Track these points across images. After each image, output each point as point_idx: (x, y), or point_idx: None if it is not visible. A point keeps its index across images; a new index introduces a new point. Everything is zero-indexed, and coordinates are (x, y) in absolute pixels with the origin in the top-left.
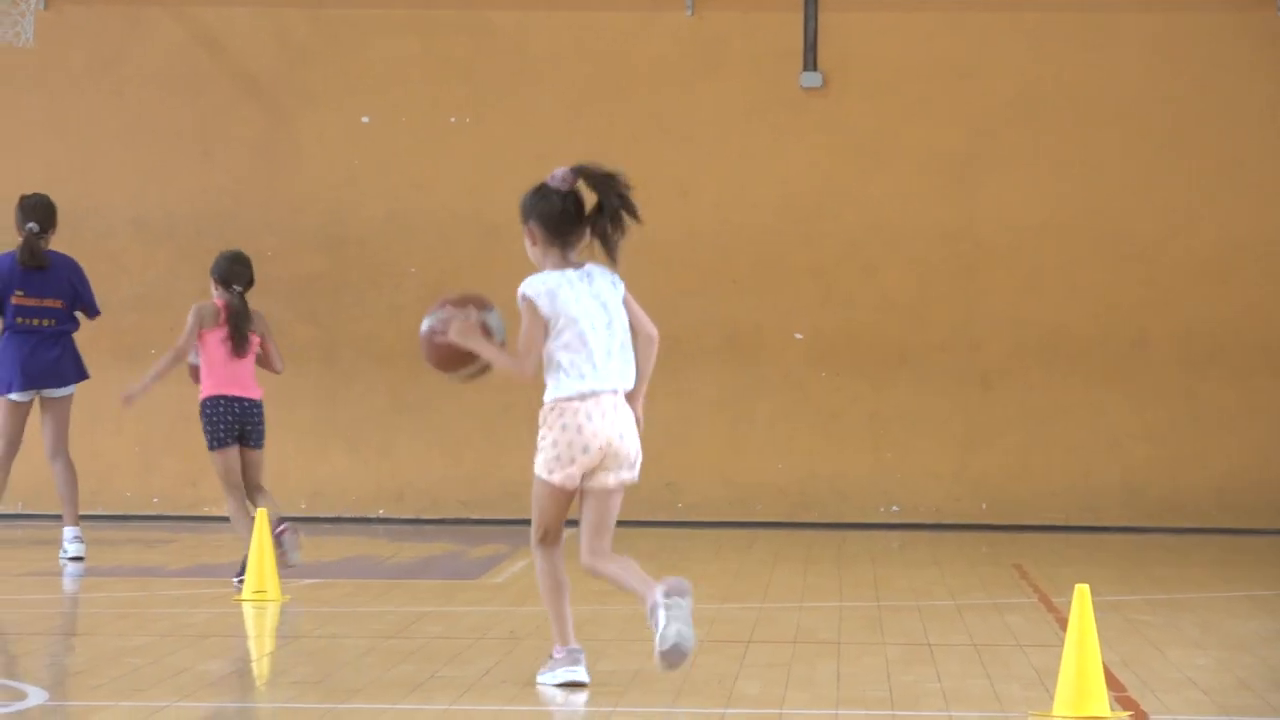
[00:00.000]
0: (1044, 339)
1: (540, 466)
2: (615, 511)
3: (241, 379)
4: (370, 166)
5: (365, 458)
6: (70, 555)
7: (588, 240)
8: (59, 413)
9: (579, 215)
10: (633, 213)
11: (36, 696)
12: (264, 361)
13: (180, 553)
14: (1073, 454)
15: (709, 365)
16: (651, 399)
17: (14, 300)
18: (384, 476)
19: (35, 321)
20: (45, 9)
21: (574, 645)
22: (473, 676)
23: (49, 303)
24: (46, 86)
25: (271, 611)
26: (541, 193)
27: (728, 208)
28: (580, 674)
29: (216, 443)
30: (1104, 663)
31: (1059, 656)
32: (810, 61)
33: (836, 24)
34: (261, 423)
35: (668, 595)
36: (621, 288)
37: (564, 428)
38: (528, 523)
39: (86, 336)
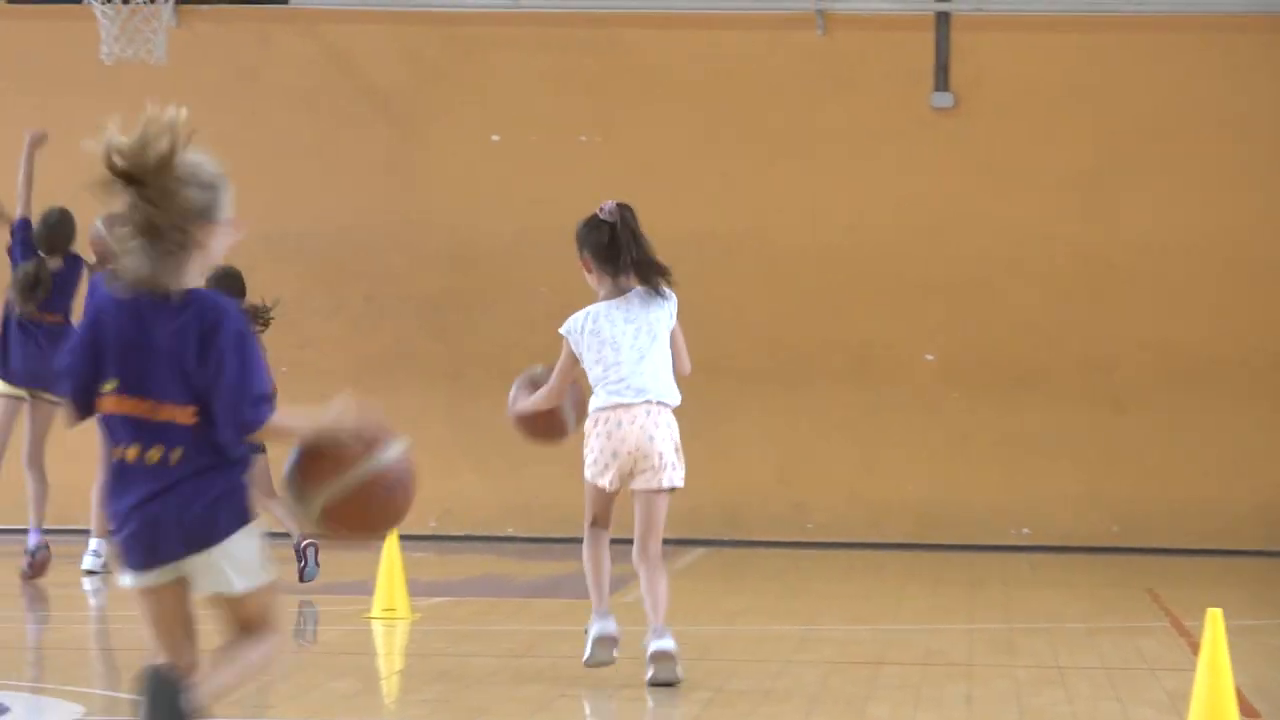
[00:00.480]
0: (1177, 360)
1: (585, 470)
2: (657, 514)
3: None
4: (499, 184)
5: (494, 475)
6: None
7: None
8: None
9: (626, 244)
10: (647, 270)
11: None
12: None
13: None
14: (1206, 476)
15: (839, 385)
16: (781, 419)
17: None
18: (513, 494)
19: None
20: (177, 26)
21: (605, 610)
22: (601, 696)
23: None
24: (178, 103)
25: (401, 629)
26: (592, 224)
27: (858, 227)
28: (609, 627)
29: None
30: (1236, 687)
31: (1191, 681)
32: (942, 81)
33: (968, 44)
34: None
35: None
36: (669, 312)
37: (598, 436)
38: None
39: None
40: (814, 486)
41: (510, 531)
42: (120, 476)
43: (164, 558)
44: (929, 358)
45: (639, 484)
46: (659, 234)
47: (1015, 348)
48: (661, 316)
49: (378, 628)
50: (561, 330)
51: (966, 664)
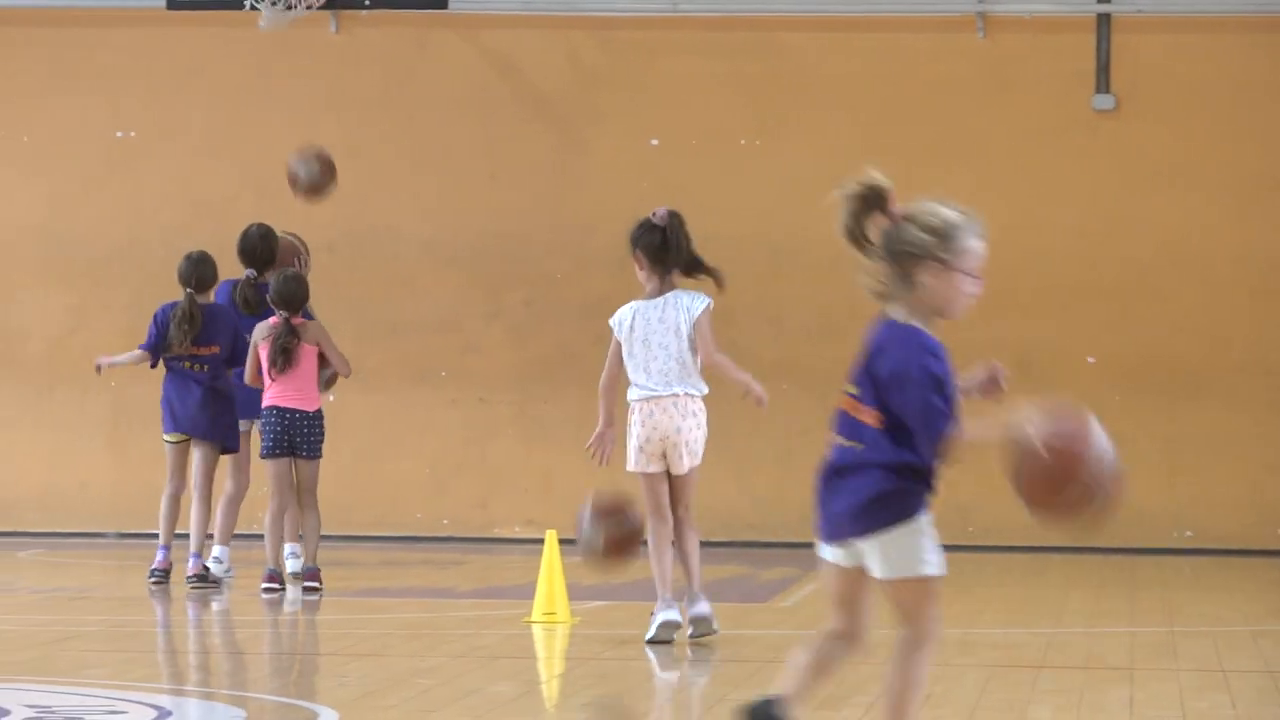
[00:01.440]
0: None
1: (630, 462)
2: (689, 489)
3: (289, 391)
4: (659, 188)
5: None
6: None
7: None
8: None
9: (675, 248)
10: (695, 269)
11: (328, 717)
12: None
13: (471, 574)
14: None
15: None
16: None
17: None
18: None
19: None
20: (337, 32)
21: (668, 596)
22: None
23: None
24: (338, 109)
25: (561, 633)
26: (645, 226)
27: (1019, 229)
28: (673, 614)
29: (264, 452)
30: None
31: None
32: (1103, 83)
33: (1129, 45)
34: (313, 434)
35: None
36: (698, 311)
37: (638, 424)
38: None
39: (377, 359)
40: (976, 489)
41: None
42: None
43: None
44: (1090, 360)
45: (675, 468)
46: (818, 234)
47: (1177, 349)
48: (693, 317)
49: (538, 632)
50: (610, 322)
51: (1128, 668)
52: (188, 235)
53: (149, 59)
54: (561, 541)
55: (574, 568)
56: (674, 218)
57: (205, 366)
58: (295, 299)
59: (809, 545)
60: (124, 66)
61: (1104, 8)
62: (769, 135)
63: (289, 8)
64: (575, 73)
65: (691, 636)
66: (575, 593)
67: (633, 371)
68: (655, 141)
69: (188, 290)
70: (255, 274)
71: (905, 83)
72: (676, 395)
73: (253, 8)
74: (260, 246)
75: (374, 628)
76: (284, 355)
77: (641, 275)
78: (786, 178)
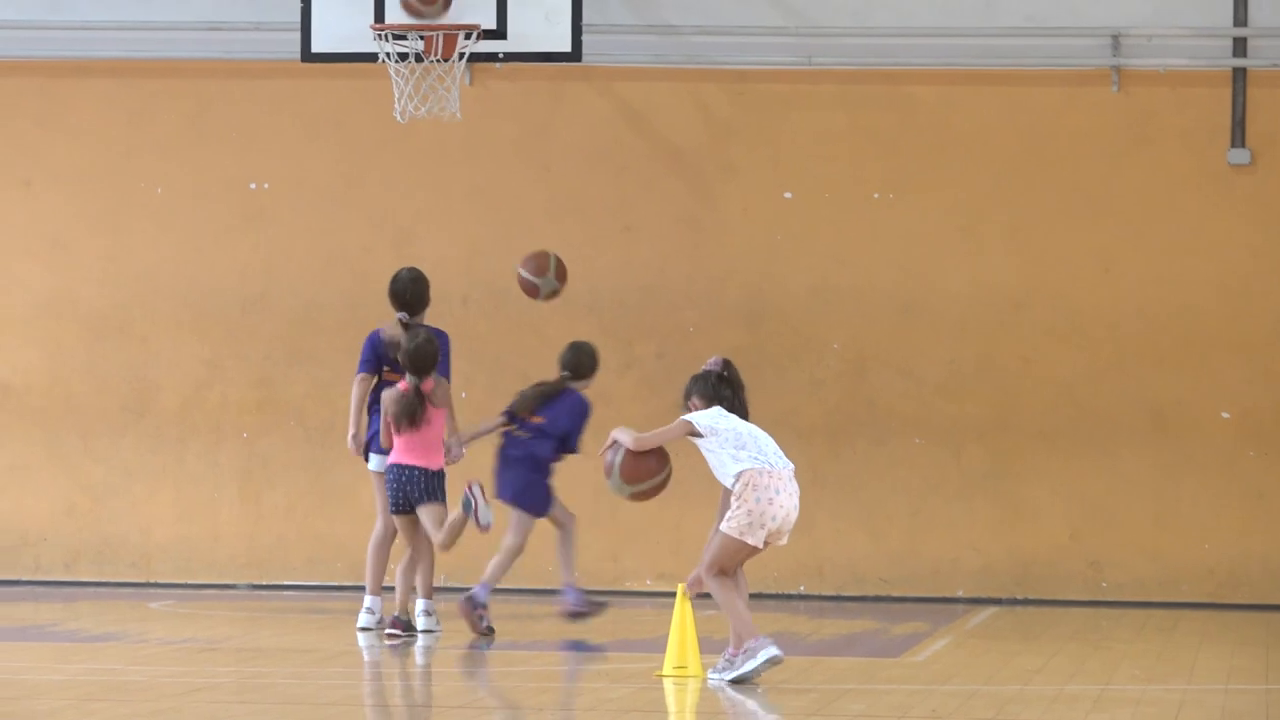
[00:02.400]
0: None
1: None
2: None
3: (414, 448)
4: (792, 241)
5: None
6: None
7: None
8: None
9: (727, 388)
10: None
11: None
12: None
13: (602, 627)
14: None
15: (1133, 443)
16: (1074, 476)
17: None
18: (804, 552)
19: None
20: (470, 85)
21: (759, 635)
22: None
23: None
24: (473, 161)
25: (692, 687)
26: (701, 376)
27: (1154, 284)
28: (773, 650)
29: (391, 507)
30: None
31: None
32: (1238, 138)
33: (1265, 99)
34: (417, 488)
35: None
36: None
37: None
38: (951, 601)
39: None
40: (1108, 545)
41: (801, 589)
42: None
43: None
44: (1225, 415)
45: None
46: (951, 288)
47: None
48: None
49: (669, 685)
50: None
51: None
52: (321, 287)
53: (283, 111)
54: (694, 596)
55: (706, 620)
56: (728, 364)
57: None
58: (426, 362)
59: (941, 600)
60: (258, 118)
61: (1239, 62)
62: (901, 189)
63: (419, 60)
64: (708, 125)
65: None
66: (707, 646)
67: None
68: (788, 195)
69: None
70: (407, 317)
71: (1039, 137)
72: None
73: (385, 59)
74: (410, 290)
75: (505, 680)
76: (409, 418)
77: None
78: (918, 231)
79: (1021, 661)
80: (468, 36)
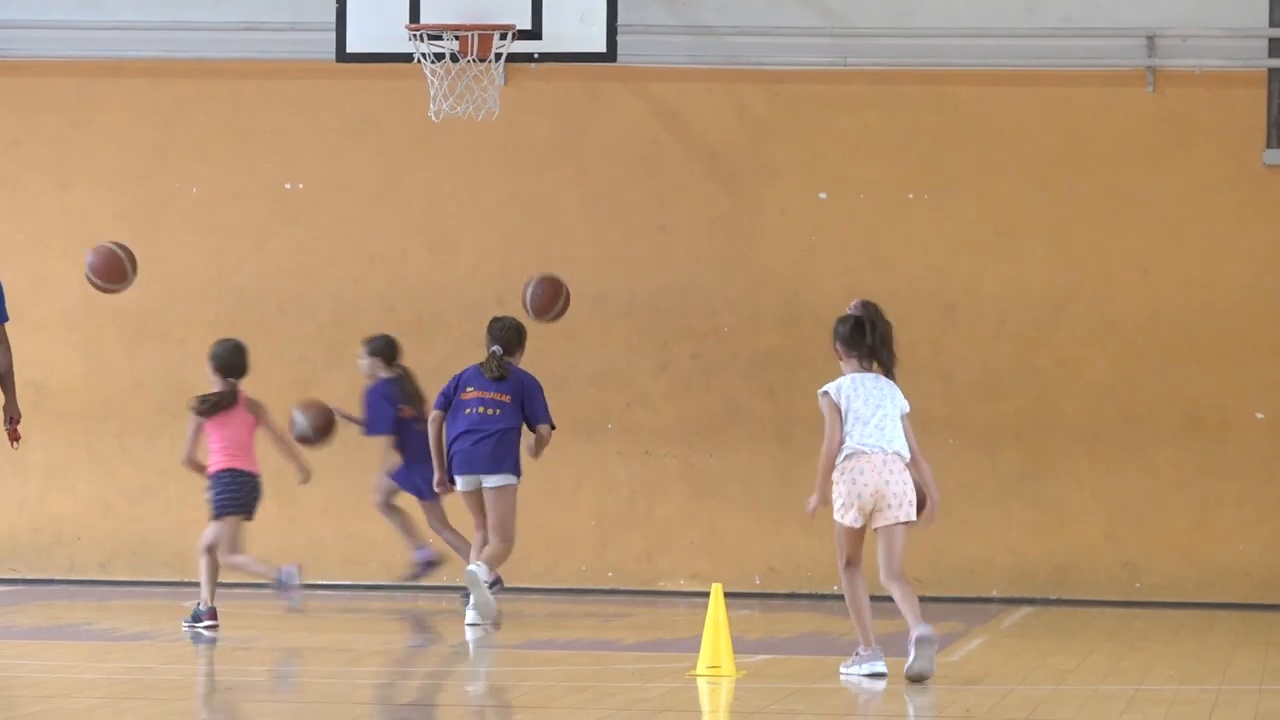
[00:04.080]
0: None
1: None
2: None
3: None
4: (828, 243)
5: (820, 534)
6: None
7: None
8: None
9: (866, 335)
10: (887, 362)
11: None
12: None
13: (636, 627)
14: None
15: (1171, 445)
16: (1110, 477)
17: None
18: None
19: (481, 410)
20: (505, 85)
21: (875, 646)
22: None
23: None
24: (508, 161)
25: (726, 687)
26: (842, 319)
27: (1191, 285)
28: (881, 666)
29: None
30: None
31: None
32: (1274, 138)
33: None
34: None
35: (923, 637)
36: (901, 403)
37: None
38: (986, 601)
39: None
40: (1144, 545)
41: (835, 589)
42: None
43: None
44: (1260, 416)
45: (883, 519)
46: (987, 290)
47: None
48: (896, 404)
49: (702, 685)
50: (826, 389)
51: None
52: (358, 287)
53: (318, 111)
54: (727, 595)
55: (740, 621)
56: (869, 307)
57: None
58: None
59: (976, 600)
60: (293, 119)
61: (1275, 62)
62: (938, 189)
63: (454, 60)
64: (744, 126)
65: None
66: (740, 646)
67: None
68: (824, 195)
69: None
70: (500, 350)
71: (1075, 137)
72: (885, 452)
73: (420, 59)
74: (512, 334)
75: (539, 680)
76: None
77: (840, 359)
78: (955, 232)
79: (1056, 662)
80: (503, 37)
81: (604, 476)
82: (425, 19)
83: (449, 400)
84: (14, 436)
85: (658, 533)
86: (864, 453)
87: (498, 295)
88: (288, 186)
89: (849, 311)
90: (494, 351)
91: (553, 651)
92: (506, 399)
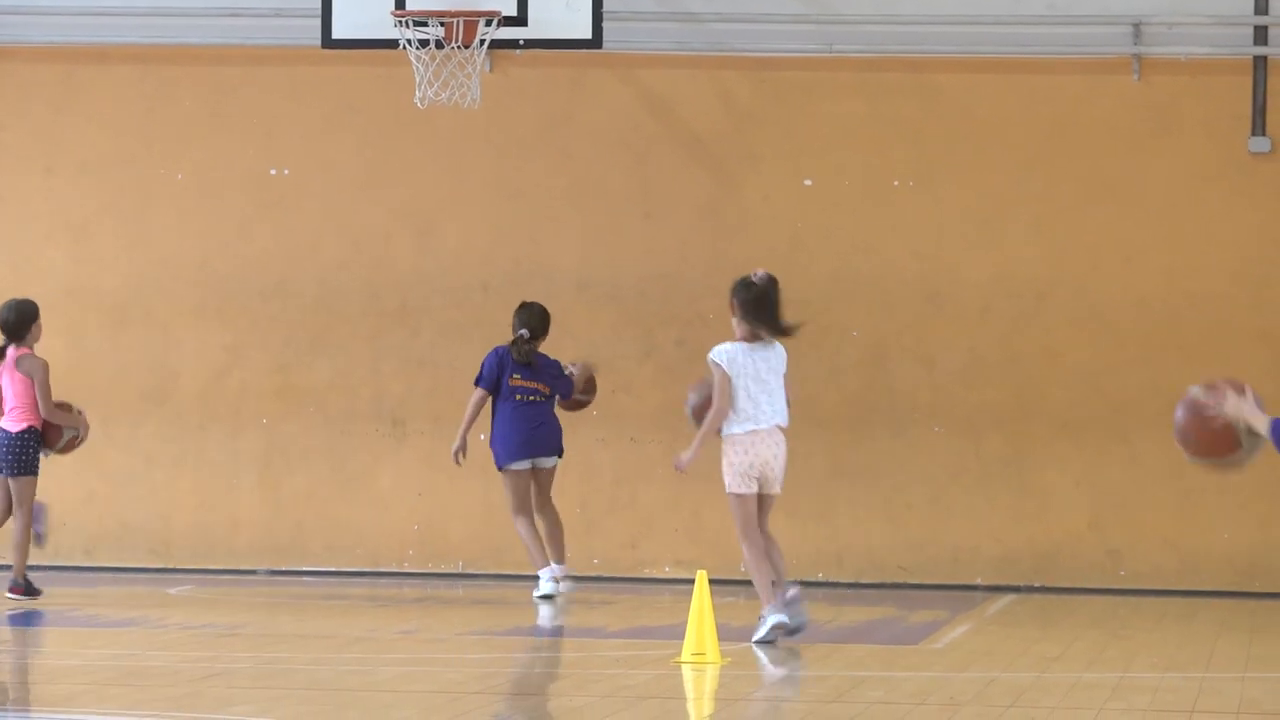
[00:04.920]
0: None
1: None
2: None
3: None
4: (813, 229)
5: (804, 521)
6: (542, 594)
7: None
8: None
9: (766, 304)
10: (778, 330)
11: None
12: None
13: (620, 614)
14: None
15: (1154, 432)
16: (1094, 465)
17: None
18: (823, 540)
19: (529, 398)
20: (490, 71)
21: (771, 604)
22: None
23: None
24: (493, 148)
25: (710, 674)
26: (743, 282)
27: (1175, 273)
28: (781, 615)
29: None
30: None
31: None
32: (1259, 126)
33: None
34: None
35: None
36: (783, 363)
37: (741, 453)
38: (970, 588)
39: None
40: (1128, 533)
41: (820, 576)
42: None
43: None
44: None
45: (768, 489)
46: (972, 277)
47: None
48: (780, 366)
49: (687, 672)
50: (713, 358)
51: None
52: (342, 273)
53: (303, 97)
54: (712, 582)
55: (724, 608)
56: (772, 279)
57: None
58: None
59: (960, 587)
60: (278, 105)
61: (1260, 50)
62: (922, 177)
63: (439, 46)
64: (729, 113)
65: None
66: (725, 633)
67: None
68: (809, 182)
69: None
70: (528, 334)
71: (1060, 125)
72: (773, 428)
73: (406, 45)
74: (537, 319)
75: (523, 666)
76: None
77: (734, 322)
78: (940, 220)
79: (1040, 649)
80: (489, 23)
81: (588, 463)
82: (411, 5)
83: (494, 382)
84: None
85: (642, 520)
86: (759, 430)
87: (482, 282)
88: (272, 172)
89: (754, 279)
90: (521, 335)
91: (537, 638)
92: (547, 389)
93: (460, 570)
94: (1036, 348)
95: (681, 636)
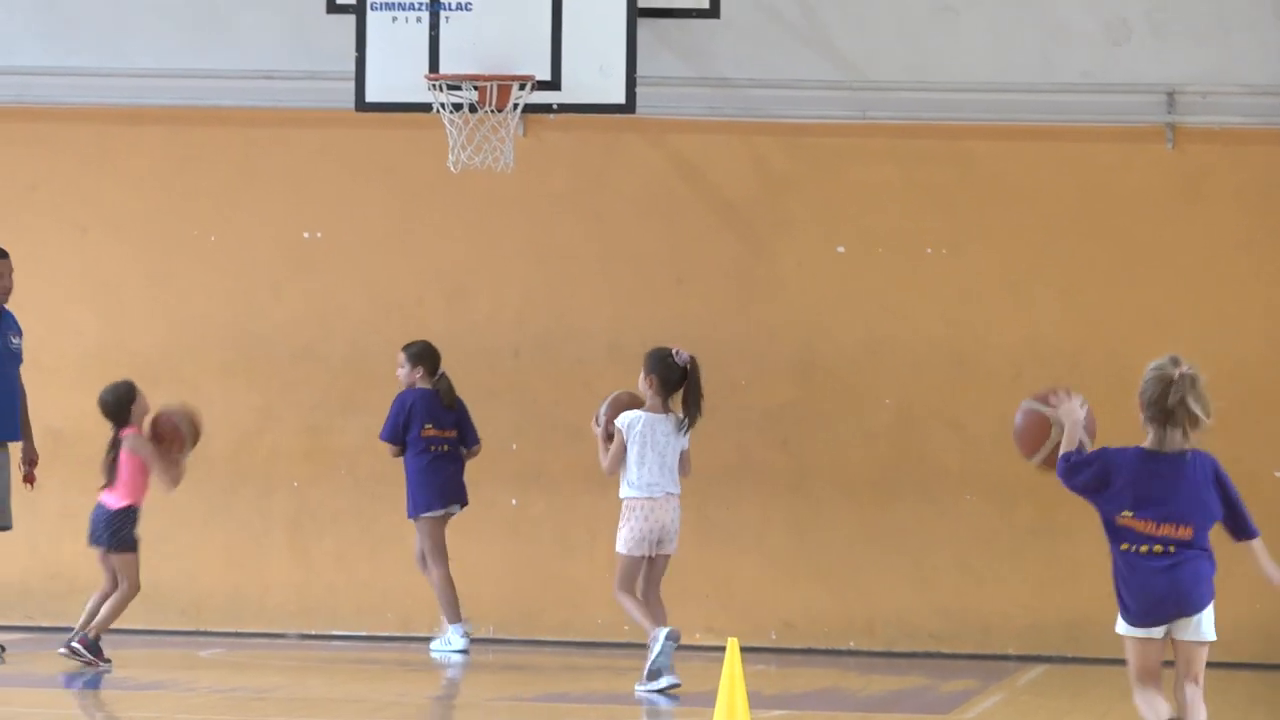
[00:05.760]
0: None
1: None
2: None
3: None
4: (844, 295)
5: (835, 588)
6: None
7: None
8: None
9: (681, 384)
10: (696, 412)
11: None
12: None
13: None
14: None
15: None
16: None
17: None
18: (854, 607)
19: (440, 448)
20: (524, 135)
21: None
22: None
23: (448, 433)
24: (526, 211)
25: None
26: (666, 359)
27: (1207, 341)
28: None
29: None
30: None
31: None
32: None
33: None
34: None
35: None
36: (685, 440)
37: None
38: (1002, 658)
39: (561, 462)
40: None
41: (852, 645)
42: None
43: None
44: (1278, 474)
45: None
46: (1003, 343)
47: None
48: (681, 440)
49: None
50: (618, 423)
51: None
52: (374, 335)
53: (336, 159)
54: (743, 649)
55: (755, 676)
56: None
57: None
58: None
59: (992, 657)
60: (311, 168)
61: None
62: (955, 243)
63: (472, 110)
64: (762, 178)
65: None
66: (756, 701)
67: (633, 471)
68: (841, 249)
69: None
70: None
71: (1093, 193)
72: (669, 495)
73: (439, 109)
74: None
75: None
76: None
77: (647, 394)
78: (971, 286)
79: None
80: (522, 87)
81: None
82: (444, 69)
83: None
84: (30, 479)
85: (672, 586)
86: (653, 498)
87: (514, 345)
88: (305, 235)
89: (675, 359)
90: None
91: (568, 704)
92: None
93: (491, 635)
94: None
95: (713, 704)
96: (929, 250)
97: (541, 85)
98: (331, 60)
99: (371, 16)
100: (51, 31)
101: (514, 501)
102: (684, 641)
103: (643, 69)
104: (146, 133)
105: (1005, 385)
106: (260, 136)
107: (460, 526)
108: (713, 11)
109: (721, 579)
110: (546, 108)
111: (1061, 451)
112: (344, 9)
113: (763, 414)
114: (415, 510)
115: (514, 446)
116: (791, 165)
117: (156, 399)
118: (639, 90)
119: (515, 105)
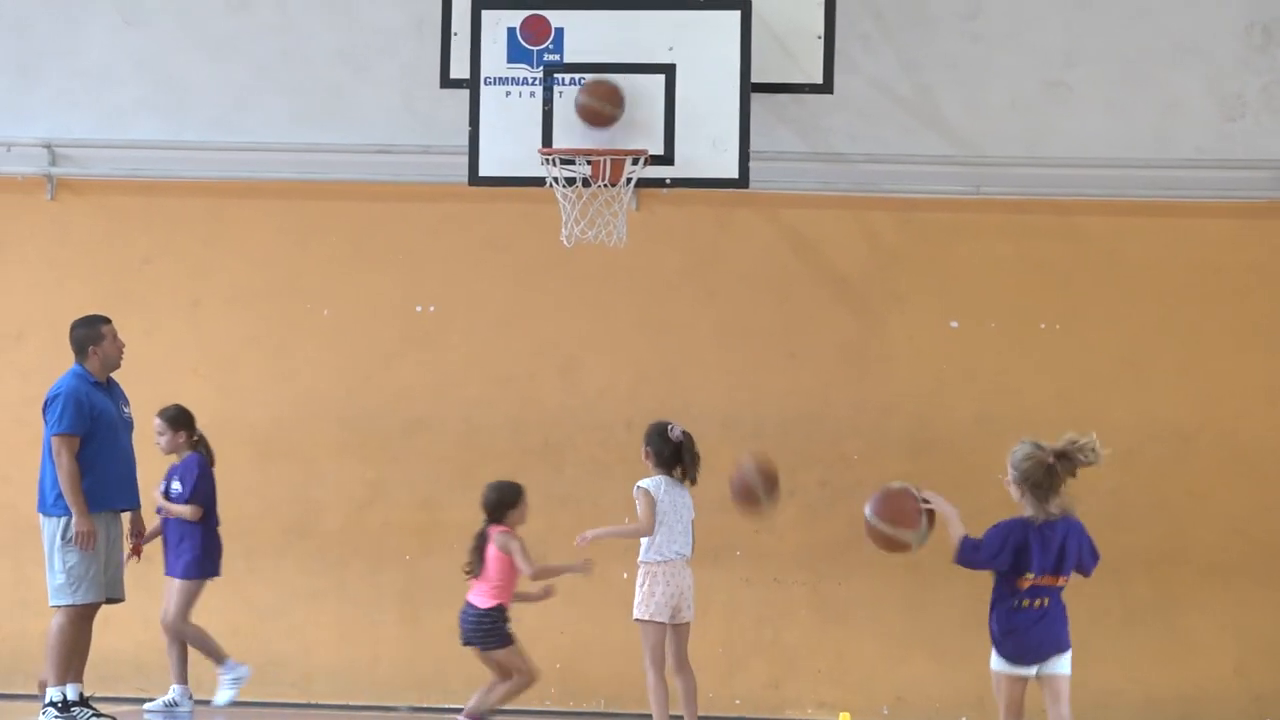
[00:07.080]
0: None
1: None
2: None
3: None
4: (958, 371)
5: (946, 664)
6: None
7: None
8: None
9: (676, 457)
10: (694, 479)
11: None
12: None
13: None
14: None
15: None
16: (1242, 610)
17: None
18: (965, 683)
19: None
20: (636, 209)
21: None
22: None
23: None
24: (638, 286)
25: None
26: (663, 434)
27: None
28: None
29: None
30: None
31: None
32: None
33: None
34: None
35: None
36: (691, 507)
37: (661, 583)
38: None
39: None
40: (1275, 679)
41: (964, 719)
42: None
43: None
44: None
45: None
46: (1117, 420)
47: None
48: (688, 503)
49: None
50: (644, 485)
51: None
52: (487, 410)
53: (449, 234)
54: None
55: None
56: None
57: None
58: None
59: None
60: (424, 242)
61: None
62: (1069, 319)
63: (585, 185)
64: (874, 253)
65: None
66: None
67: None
68: (955, 324)
69: None
70: None
71: (1208, 268)
72: (685, 558)
73: (552, 183)
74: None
75: None
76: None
77: (650, 465)
78: (1085, 362)
79: None
80: (635, 162)
81: (732, 603)
82: (558, 144)
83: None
84: (137, 551)
85: (785, 660)
86: (673, 560)
87: (626, 420)
88: (418, 309)
89: (671, 435)
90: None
91: None
92: None
93: (602, 709)
94: (1182, 491)
95: None
96: (1042, 325)
97: (655, 160)
98: (446, 135)
99: (485, 91)
100: (166, 106)
101: (625, 575)
102: (795, 715)
103: (756, 144)
104: (260, 207)
105: (1120, 461)
106: (374, 211)
107: (574, 600)
108: (826, 87)
109: (834, 653)
110: (660, 182)
111: (956, 539)
112: (458, 84)
113: (875, 489)
114: (202, 573)
115: (626, 520)
116: (904, 240)
117: (271, 471)
118: (752, 165)
119: (628, 180)
